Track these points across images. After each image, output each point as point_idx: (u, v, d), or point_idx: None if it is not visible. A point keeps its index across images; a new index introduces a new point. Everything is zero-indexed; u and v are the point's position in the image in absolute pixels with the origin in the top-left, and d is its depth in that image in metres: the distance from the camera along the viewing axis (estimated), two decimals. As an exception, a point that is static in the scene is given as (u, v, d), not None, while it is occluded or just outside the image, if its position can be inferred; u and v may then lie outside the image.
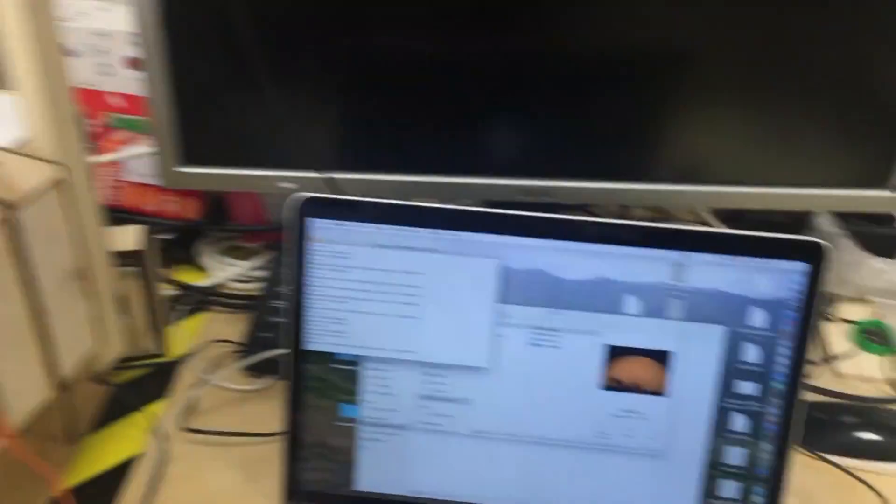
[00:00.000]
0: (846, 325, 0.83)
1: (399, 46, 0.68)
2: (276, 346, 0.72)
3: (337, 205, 0.58)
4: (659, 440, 0.59)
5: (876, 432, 0.69)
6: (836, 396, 0.75)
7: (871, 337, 0.80)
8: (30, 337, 0.55)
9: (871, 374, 0.78)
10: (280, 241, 0.85)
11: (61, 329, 0.59)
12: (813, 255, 0.55)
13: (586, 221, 0.57)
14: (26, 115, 0.55)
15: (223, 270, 0.85)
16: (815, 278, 0.55)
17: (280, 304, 0.77)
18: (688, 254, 0.56)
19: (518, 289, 0.57)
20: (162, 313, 0.76)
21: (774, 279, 0.56)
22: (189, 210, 0.87)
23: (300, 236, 0.58)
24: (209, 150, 0.72)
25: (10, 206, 0.51)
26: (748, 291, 0.56)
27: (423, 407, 0.60)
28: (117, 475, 0.65)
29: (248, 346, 0.74)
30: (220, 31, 0.67)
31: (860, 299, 0.85)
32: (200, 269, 0.87)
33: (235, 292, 0.84)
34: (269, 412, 0.71)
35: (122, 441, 0.68)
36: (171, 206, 0.87)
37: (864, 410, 0.72)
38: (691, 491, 0.59)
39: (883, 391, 0.76)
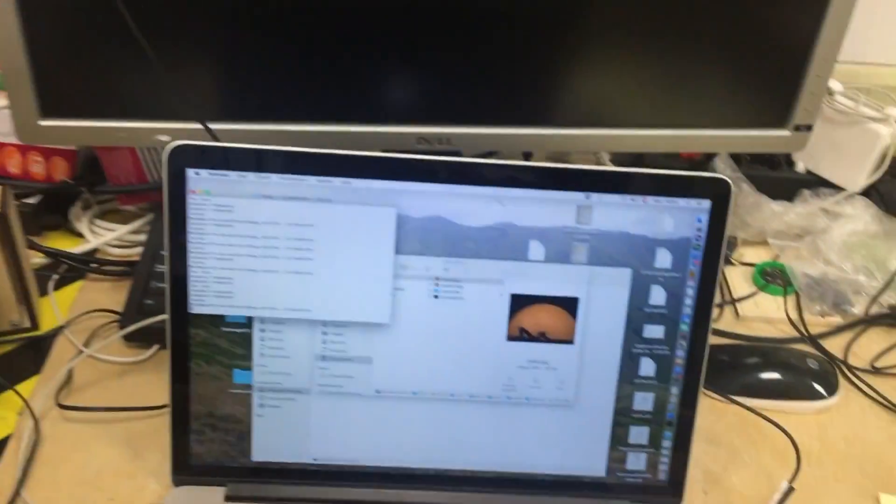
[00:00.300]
0: (746, 268, 0.83)
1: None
2: (160, 313, 0.67)
3: (216, 153, 0.53)
4: (567, 390, 0.57)
5: (778, 372, 0.70)
6: (738, 339, 0.75)
7: (771, 278, 0.81)
8: None
9: (772, 314, 0.78)
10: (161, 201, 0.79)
11: None
12: (716, 192, 0.54)
13: (486, 164, 0.54)
14: None
15: (100, 235, 0.79)
16: (718, 215, 0.54)
17: (163, 267, 0.71)
18: (591, 195, 0.54)
19: (417, 238, 0.54)
20: (31, 283, 0.70)
21: (679, 218, 0.54)
22: (57, 171, 0.80)
23: (178, 189, 0.53)
24: (73, 101, 0.65)
25: None
26: (654, 232, 0.54)
27: (322, 368, 0.56)
28: (-16, 461, 0.60)
29: (129, 315, 0.69)
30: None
31: (760, 242, 0.86)
32: (76, 234, 0.80)
33: (114, 258, 0.78)
34: (155, 384, 0.66)
35: (-13, 423, 0.62)
36: (37, 168, 0.79)
37: (766, 351, 0.72)
38: (603, 439, 0.58)
39: (783, 331, 0.77)
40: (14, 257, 0.66)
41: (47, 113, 0.65)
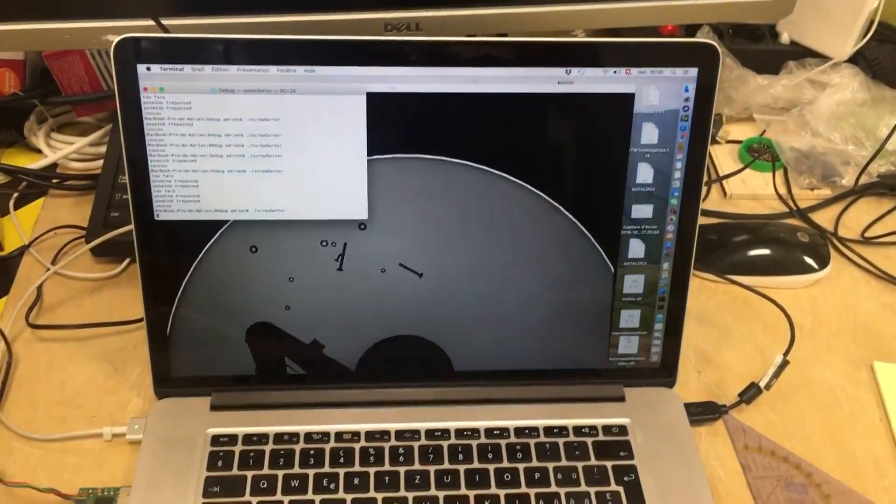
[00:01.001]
0: (733, 146, 0.81)
1: None
2: (127, 225, 0.64)
3: (166, 45, 0.49)
4: (555, 276, 0.55)
5: (768, 247, 0.68)
6: (726, 218, 0.74)
7: (758, 154, 0.78)
8: None
9: (760, 191, 0.76)
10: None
11: None
12: (703, 59, 0.51)
13: (458, 42, 0.50)
14: None
15: (58, 149, 0.75)
16: (706, 83, 0.51)
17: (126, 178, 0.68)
18: (572, 70, 0.51)
19: (390, 127, 0.51)
20: (-11, 202, 0.66)
21: (665, 90, 0.51)
22: (5, 84, 0.75)
23: (130, 88, 0.49)
24: (14, 2, 0.60)
25: None
26: (639, 107, 0.52)
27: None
28: (-42, 386, 0.57)
29: (95, 229, 0.66)
30: None
31: (745, 119, 0.83)
32: (33, 150, 0.76)
33: (76, 172, 0.74)
34: (129, 298, 0.63)
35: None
36: (-15, 81, 0.75)
37: (755, 227, 0.71)
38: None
39: (772, 207, 0.75)
40: (-33, 175, 0.63)
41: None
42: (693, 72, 0.51)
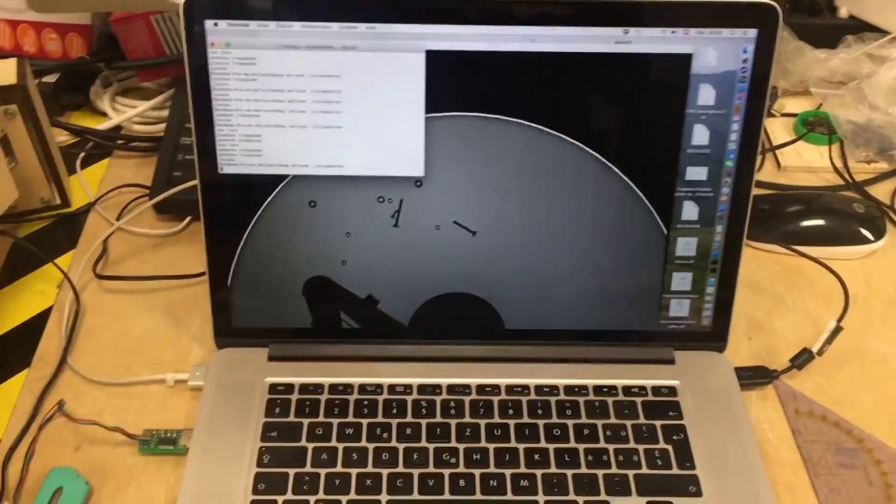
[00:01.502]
0: (788, 119, 0.80)
1: None
2: (187, 185, 0.66)
3: (234, 2, 0.50)
4: (608, 237, 0.56)
5: (823, 217, 0.68)
6: (780, 189, 0.73)
7: (813, 127, 0.78)
8: None
9: (815, 164, 0.76)
10: (181, 76, 0.77)
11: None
12: (762, 19, 0.51)
13: (520, 0, 0.51)
14: None
15: (122, 112, 0.77)
16: (765, 44, 0.51)
17: (188, 140, 0.70)
18: (630, 30, 0.51)
19: (448, 86, 0.52)
20: (59, 160, 0.69)
21: (723, 50, 0.51)
22: (73, 48, 0.78)
23: (198, 43, 0.51)
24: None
25: None
26: (697, 68, 0.52)
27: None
28: (31, 331, 0.60)
29: (159, 188, 0.68)
30: None
31: (801, 92, 0.83)
32: (99, 112, 0.79)
33: (139, 135, 0.77)
34: (190, 254, 0.65)
35: (32, 295, 0.63)
36: (53, 45, 0.77)
37: (809, 198, 0.70)
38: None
39: (827, 180, 0.74)
40: (39, 133, 0.65)
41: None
42: (752, 33, 0.51)
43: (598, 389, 0.55)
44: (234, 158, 0.53)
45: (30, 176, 0.65)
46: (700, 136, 0.53)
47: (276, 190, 0.54)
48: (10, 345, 0.59)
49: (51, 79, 0.77)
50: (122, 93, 0.80)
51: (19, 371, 0.57)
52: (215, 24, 0.50)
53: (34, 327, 0.60)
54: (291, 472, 0.51)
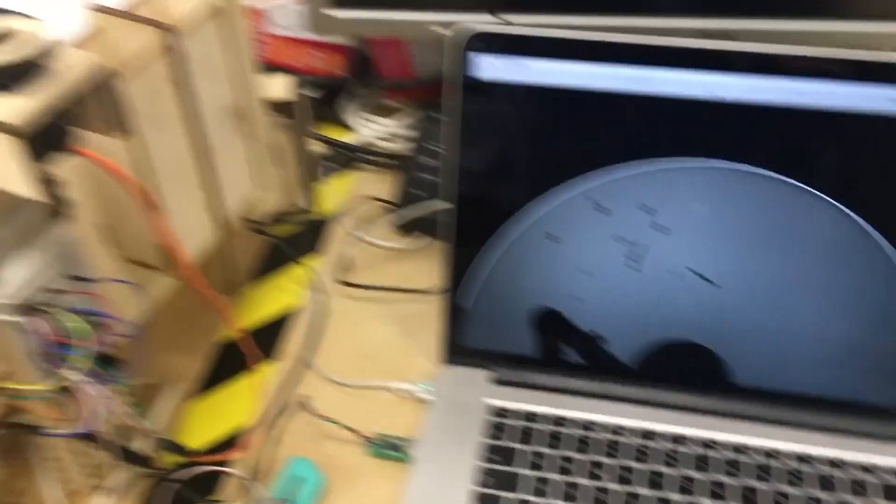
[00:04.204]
0: None
1: None
2: (427, 203, 0.69)
3: (503, 39, 0.53)
4: None
5: None
6: None
7: None
8: (196, 173, 0.53)
9: None
10: (428, 97, 0.81)
11: (224, 168, 0.57)
12: None
13: (790, 53, 0.50)
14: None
15: (369, 128, 0.82)
16: None
17: (428, 160, 0.74)
18: (912, 92, 0.48)
19: (699, 132, 0.52)
20: (313, 169, 0.74)
21: None
22: (335, 66, 0.84)
23: (465, 77, 0.54)
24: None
25: (170, 31, 0.48)
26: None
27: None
28: (276, 326, 0.65)
29: (399, 204, 0.72)
30: None
31: None
32: (345, 126, 0.84)
33: (382, 150, 0.81)
34: (424, 270, 0.69)
35: (281, 293, 0.68)
36: (318, 62, 0.84)
37: None
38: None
39: None
40: (300, 143, 0.71)
41: (337, 3, 0.67)
42: None
43: (831, 462, 0.53)
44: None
45: (289, 182, 0.71)
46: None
47: (521, 220, 0.56)
48: (254, 338, 0.64)
49: (308, 91, 0.83)
50: (369, 108, 0.85)
51: (266, 361, 0.62)
52: (479, 60, 0.53)
53: (279, 324, 0.65)
54: (508, 495, 0.52)
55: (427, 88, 0.81)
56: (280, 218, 0.71)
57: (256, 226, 0.67)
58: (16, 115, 0.33)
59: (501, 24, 0.61)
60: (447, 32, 0.53)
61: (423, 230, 0.71)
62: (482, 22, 0.61)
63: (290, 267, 0.70)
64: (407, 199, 0.72)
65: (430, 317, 0.63)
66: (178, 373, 0.60)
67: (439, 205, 0.65)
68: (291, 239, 0.73)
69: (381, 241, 0.72)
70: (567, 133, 0.53)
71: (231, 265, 0.65)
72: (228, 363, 0.62)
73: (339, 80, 0.84)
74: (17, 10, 0.38)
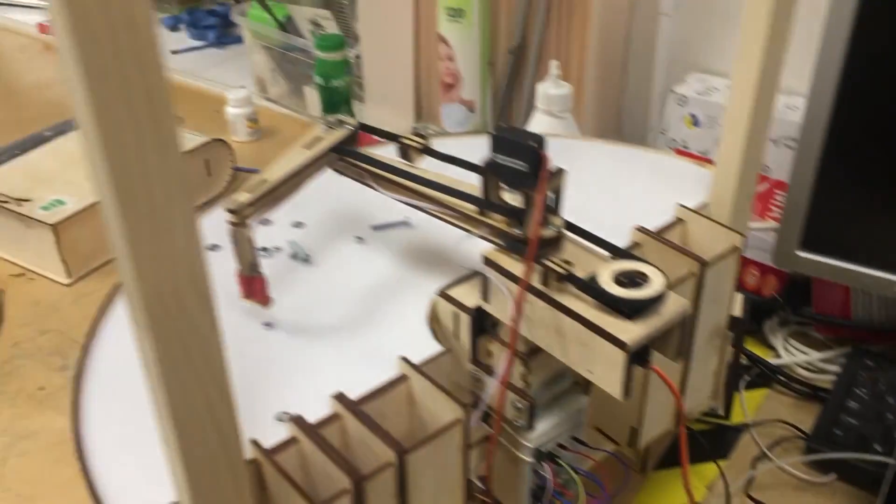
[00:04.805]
0: None
1: None
2: (844, 446, 0.71)
3: None
4: None
5: None
6: None
7: None
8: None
9: None
10: (859, 340, 0.83)
11: (694, 378, 0.65)
12: None
13: None
14: (718, 184, 0.63)
15: (792, 354, 0.86)
16: None
17: (855, 406, 0.75)
18: None
19: None
20: (735, 379, 0.79)
21: None
22: (767, 286, 0.89)
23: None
24: (829, 239, 0.73)
25: (703, 264, 0.57)
26: None
27: None
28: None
29: (814, 438, 0.74)
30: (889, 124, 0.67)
31: None
32: (767, 345, 0.89)
33: (801, 378, 0.84)
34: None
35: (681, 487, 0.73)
36: (751, 279, 0.90)
37: None
38: None
39: None
40: (734, 356, 0.76)
41: (804, 245, 0.74)
42: None
43: None
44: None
45: (716, 386, 0.77)
46: None
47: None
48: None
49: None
50: (796, 335, 0.89)
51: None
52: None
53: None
54: None
55: (861, 332, 0.83)
56: (698, 417, 0.77)
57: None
58: (628, 336, 0.45)
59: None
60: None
61: (839, 472, 0.72)
62: None
63: (696, 463, 0.75)
64: (825, 436, 0.74)
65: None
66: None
67: (866, 455, 0.66)
68: (699, 438, 0.78)
69: (790, 468, 0.74)
70: None
71: (648, 449, 0.72)
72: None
73: (769, 301, 0.89)
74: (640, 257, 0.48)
